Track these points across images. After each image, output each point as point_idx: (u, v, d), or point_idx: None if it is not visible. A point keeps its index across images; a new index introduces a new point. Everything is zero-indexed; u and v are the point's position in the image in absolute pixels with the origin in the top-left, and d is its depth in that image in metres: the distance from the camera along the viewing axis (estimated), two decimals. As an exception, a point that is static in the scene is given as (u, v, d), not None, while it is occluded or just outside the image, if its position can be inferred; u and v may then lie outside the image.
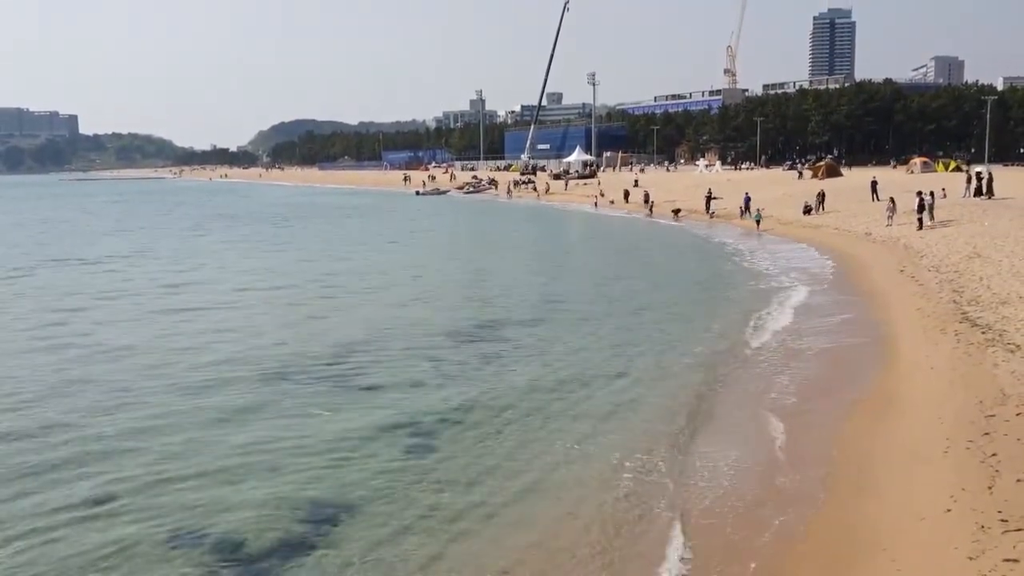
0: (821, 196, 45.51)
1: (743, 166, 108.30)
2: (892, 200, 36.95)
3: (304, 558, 8.69)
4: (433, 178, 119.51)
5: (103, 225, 60.15)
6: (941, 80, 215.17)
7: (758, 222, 42.91)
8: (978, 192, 41.61)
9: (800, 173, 71.25)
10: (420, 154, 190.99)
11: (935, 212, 34.35)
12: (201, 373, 15.90)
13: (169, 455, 11.59)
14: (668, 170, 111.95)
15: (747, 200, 49.05)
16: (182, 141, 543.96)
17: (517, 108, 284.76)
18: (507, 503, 10.00)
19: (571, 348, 17.93)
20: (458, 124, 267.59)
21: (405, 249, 40.64)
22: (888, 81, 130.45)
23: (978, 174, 44.02)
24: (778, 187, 60.19)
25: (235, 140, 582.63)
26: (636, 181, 78.09)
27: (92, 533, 9.25)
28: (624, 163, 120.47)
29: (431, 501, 10.03)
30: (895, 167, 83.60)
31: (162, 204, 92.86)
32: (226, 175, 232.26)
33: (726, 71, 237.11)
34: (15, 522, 9.53)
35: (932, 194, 35.49)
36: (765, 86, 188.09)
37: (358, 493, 10.27)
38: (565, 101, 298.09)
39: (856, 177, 60.46)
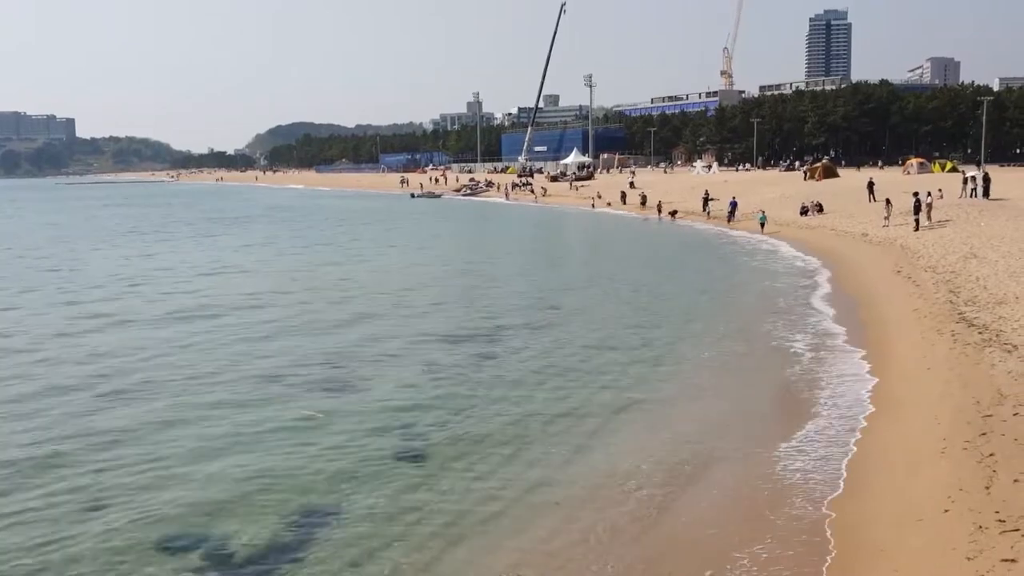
0: (819, 206, 45.39)
1: (743, 167, 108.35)
2: (888, 201, 37.00)
3: (296, 563, 8.66)
4: (436, 180, 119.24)
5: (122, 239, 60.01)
6: (937, 81, 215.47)
7: (762, 224, 42.67)
8: (984, 193, 41.38)
9: (805, 174, 70.83)
10: (417, 156, 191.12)
11: (932, 213, 34.36)
12: (196, 375, 15.89)
13: (159, 458, 11.57)
14: (665, 172, 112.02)
15: (733, 204, 48.57)
16: (179, 144, 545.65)
17: (514, 110, 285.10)
18: (503, 508, 9.97)
19: (572, 350, 17.92)
20: (455, 126, 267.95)
21: (406, 253, 40.55)
22: (884, 82, 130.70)
23: (972, 176, 43.95)
24: (775, 188, 60.25)
25: (232, 143, 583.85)
26: (632, 183, 78.17)
27: (82, 535, 9.23)
28: (622, 165, 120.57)
29: (426, 506, 9.99)
30: (882, 168, 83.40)
31: (167, 209, 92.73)
32: (221, 178, 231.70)
33: (723, 72, 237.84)
34: (6, 521, 9.55)
35: (930, 194, 35.52)
36: (761, 87, 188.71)
37: (351, 497, 10.24)
38: (562, 103, 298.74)
39: (853, 178, 60.54)
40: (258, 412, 13.63)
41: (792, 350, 17.38)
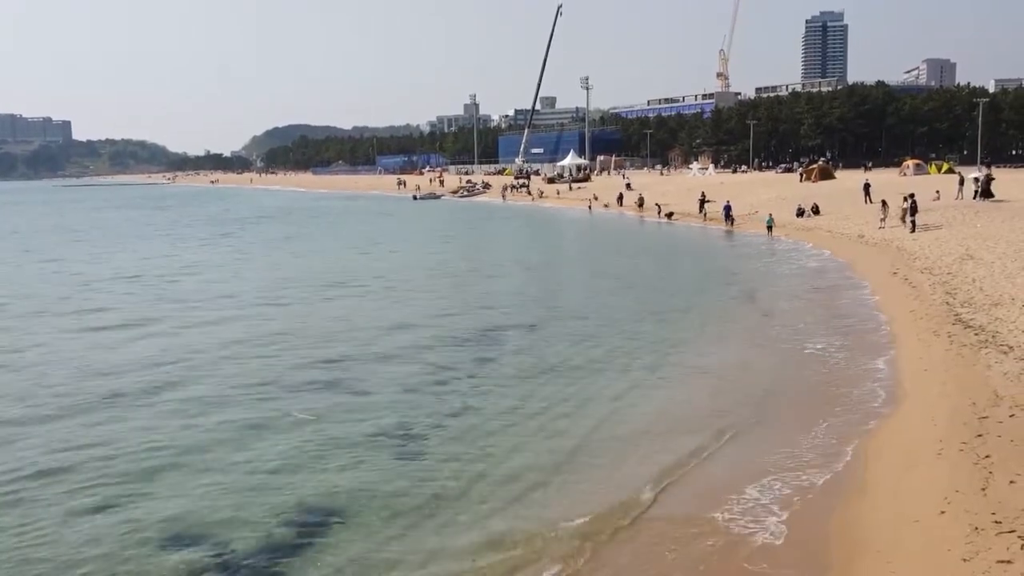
0: (815, 208, 45.47)
1: (741, 169, 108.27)
2: (884, 202, 37.04)
3: (293, 563, 8.66)
4: (442, 182, 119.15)
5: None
6: (933, 82, 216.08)
7: (770, 228, 42.15)
8: (985, 194, 41.33)
9: (801, 176, 70.71)
10: (414, 158, 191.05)
11: (914, 216, 34.35)
12: (194, 376, 15.88)
13: (158, 459, 11.57)
14: (662, 174, 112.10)
15: (727, 208, 48.24)
16: (175, 147, 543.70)
17: (511, 112, 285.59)
18: (499, 508, 9.97)
19: (570, 352, 17.88)
20: (452, 128, 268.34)
21: (410, 252, 40.53)
22: (880, 84, 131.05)
23: (976, 178, 43.96)
24: (771, 190, 60.34)
25: (229, 145, 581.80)
26: (628, 184, 78.32)
27: (83, 537, 9.22)
28: (618, 167, 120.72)
29: (422, 506, 9.99)
30: (870, 169, 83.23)
31: (173, 212, 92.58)
32: (217, 180, 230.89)
33: (719, 74, 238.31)
34: (7, 522, 9.58)
35: (905, 198, 35.63)
36: (758, 89, 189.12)
37: (347, 497, 10.24)
38: (559, 105, 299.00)
39: (849, 180, 60.70)
40: (256, 412, 13.59)
41: (783, 350, 17.40)
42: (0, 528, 9.51)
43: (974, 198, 41.47)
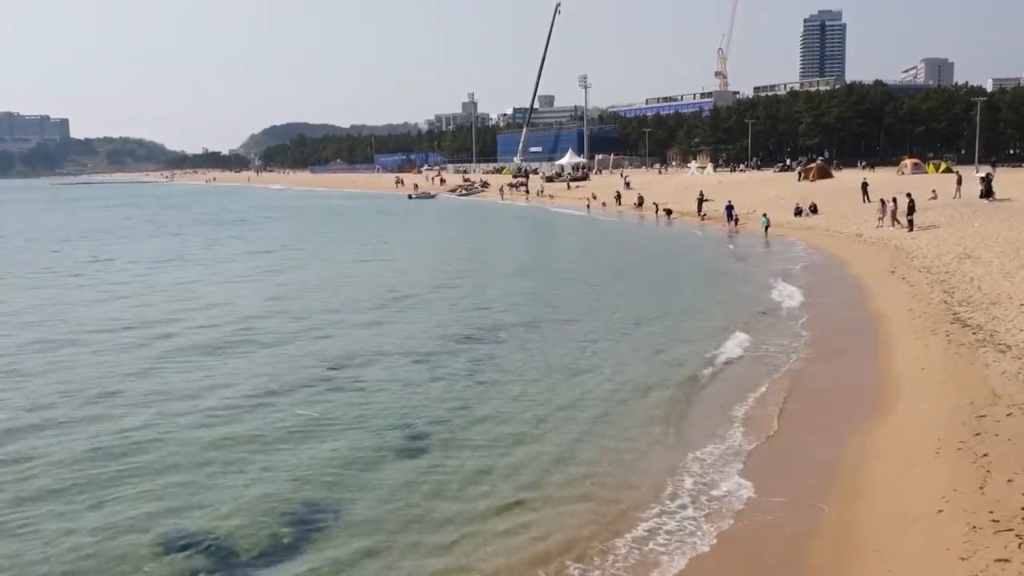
0: (813, 207, 45.50)
1: (740, 168, 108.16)
2: (883, 201, 37.05)
3: (295, 561, 8.66)
4: (442, 181, 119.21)
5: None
6: (931, 82, 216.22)
7: (767, 227, 41.91)
8: (987, 194, 41.23)
9: (799, 175, 70.48)
10: (412, 157, 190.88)
11: (911, 215, 34.46)
12: (196, 375, 15.89)
13: (159, 458, 11.58)
14: (660, 172, 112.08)
15: (729, 208, 47.96)
16: (173, 145, 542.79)
17: (509, 111, 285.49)
18: (501, 504, 9.98)
19: (568, 351, 17.91)
20: (450, 127, 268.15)
21: (411, 253, 40.53)
22: (878, 83, 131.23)
23: (981, 177, 43.95)
24: (769, 189, 60.37)
25: (227, 143, 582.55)
26: (627, 183, 78.33)
27: (83, 535, 9.23)
28: (616, 166, 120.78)
29: (423, 503, 10.01)
30: (866, 168, 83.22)
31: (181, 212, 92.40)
32: (214, 179, 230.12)
33: (717, 73, 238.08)
34: (6, 520, 9.59)
35: (894, 200, 35.66)
36: (756, 88, 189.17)
37: (349, 495, 10.26)
38: (557, 104, 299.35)
39: (847, 179, 60.73)
40: (257, 412, 13.60)
41: (783, 350, 17.40)
42: (-1, 527, 9.53)
43: (980, 197, 41.38)
